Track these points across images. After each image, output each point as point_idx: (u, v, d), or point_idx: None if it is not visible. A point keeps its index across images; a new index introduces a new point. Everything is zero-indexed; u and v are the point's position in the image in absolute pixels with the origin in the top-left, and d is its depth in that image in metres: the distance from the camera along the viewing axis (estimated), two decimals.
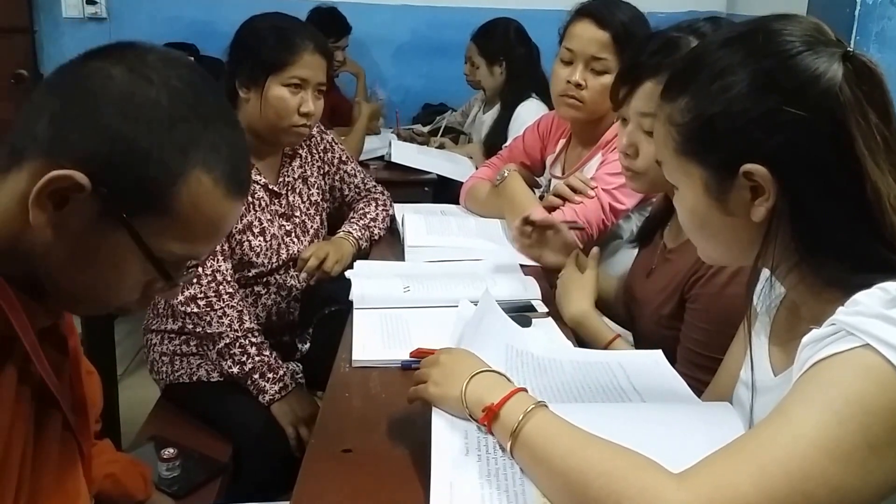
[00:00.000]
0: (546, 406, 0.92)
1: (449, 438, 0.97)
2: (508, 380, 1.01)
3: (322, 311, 2.14)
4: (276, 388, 1.79)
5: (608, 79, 1.88)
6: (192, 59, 4.22)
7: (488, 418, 0.94)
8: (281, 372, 1.81)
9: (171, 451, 1.59)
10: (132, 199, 0.80)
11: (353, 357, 1.35)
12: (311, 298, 2.10)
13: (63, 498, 0.91)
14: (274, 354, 1.83)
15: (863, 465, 0.71)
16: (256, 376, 1.78)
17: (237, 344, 1.78)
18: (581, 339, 1.52)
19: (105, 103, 0.80)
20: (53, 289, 0.84)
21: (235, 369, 1.78)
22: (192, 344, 1.92)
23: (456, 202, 2.38)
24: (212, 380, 1.87)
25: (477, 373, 1.00)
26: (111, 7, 4.38)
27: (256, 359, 1.79)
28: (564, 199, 1.91)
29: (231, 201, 0.86)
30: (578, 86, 1.95)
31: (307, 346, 2.11)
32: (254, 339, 1.81)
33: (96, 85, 0.81)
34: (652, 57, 1.41)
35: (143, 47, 0.86)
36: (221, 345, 1.78)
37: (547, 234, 1.73)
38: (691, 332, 1.38)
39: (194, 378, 1.88)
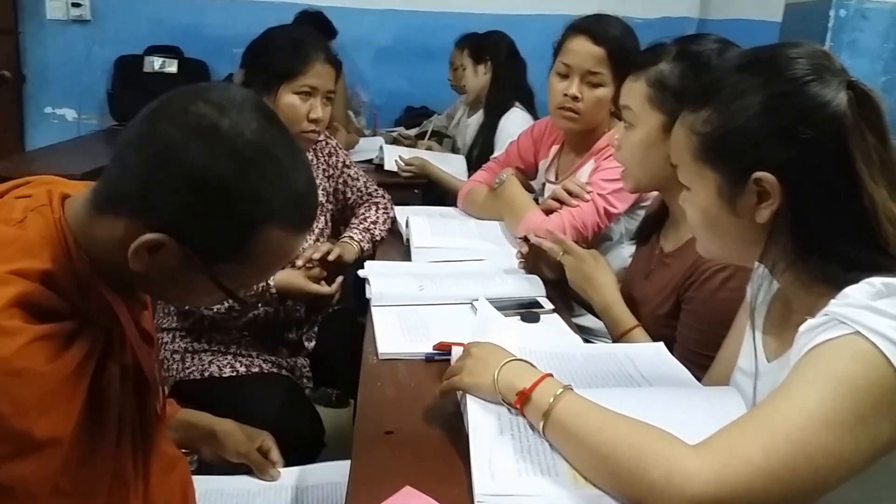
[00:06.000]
0: (572, 389, 1.02)
1: (484, 420, 1.07)
2: (535, 367, 1.11)
3: (327, 309, 2.23)
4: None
5: (603, 91, 2.01)
6: (177, 60, 4.27)
7: (521, 401, 1.04)
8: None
9: None
10: (212, 251, 0.90)
11: (380, 350, 1.44)
12: (317, 296, 2.18)
13: (167, 464, 1.05)
14: None
15: (854, 433, 0.83)
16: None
17: None
18: (588, 333, 1.59)
19: (191, 143, 0.85)
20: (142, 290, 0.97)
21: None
22: (203, 341, 1.97)
23: (444, 203, 2.45)
24: (223, 375, 1.92)
25: (507, 361, 1.10)
26: (95, 9, 4.38)
27: None
28: (562, 203, 2.00)
29: (297, 236, 0.96)
30: (575, 98, 2.03)
31: (313, 343, 2.16)
32: None
33: (175, 139, 0.86)
34: (640, 57, 1.55)
35: (220, 84, 0.95)
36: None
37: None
38: (687, 332, 1.48)
39: (206, 374, 1.93)
